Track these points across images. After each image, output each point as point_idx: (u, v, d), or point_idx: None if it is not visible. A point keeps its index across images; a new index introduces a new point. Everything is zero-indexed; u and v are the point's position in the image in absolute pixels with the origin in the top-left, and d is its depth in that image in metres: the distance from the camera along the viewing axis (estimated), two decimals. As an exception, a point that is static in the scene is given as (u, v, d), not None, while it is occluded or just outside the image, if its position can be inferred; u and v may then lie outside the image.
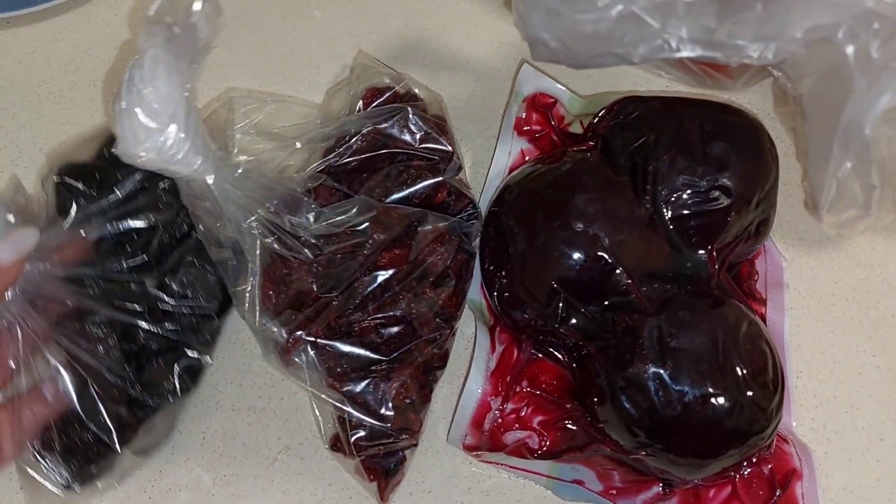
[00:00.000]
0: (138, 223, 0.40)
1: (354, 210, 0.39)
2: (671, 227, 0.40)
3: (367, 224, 0.39)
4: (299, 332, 0.38)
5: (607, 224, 0.39)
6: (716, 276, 0.40)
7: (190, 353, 0.41)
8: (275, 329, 0.38)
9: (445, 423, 0.44)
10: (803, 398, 0.46)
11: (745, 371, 0.37)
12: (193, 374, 0.42)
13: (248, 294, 0.38)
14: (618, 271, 0.38)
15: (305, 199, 0.38)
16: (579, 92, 0.49)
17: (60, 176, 0.41)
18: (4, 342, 0.38)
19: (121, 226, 0.40)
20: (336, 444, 0.41)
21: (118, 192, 0.40)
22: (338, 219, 0.38)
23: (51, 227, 0.40)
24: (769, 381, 0.37)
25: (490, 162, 0.47)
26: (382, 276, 0.39)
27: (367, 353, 0.39)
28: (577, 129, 0.46)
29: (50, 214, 0.41)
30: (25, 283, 0.37)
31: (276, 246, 0.37)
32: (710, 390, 0.36)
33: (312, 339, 0.38)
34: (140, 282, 0.40)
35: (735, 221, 0.40)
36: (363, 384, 0.39)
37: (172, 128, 0.33)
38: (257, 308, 0.38)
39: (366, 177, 0.43)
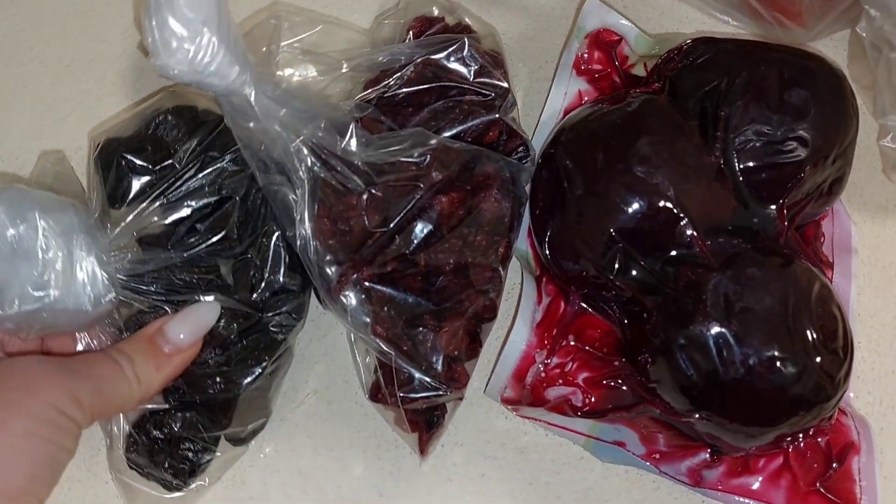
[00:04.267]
0: (211, 198, 0.37)
1: (409, 142, 0.36)
2: (740, 178, 0.37)
3: (427, 157, 0.36)
4: (352, 273, 0.36)
5: (673, 171, 0.36)
6: (784, 235, 0.37)
7: (274, 329, 0.39)
8: (327, 267, 0.35)
9: (482, 375, 0.42)
10: (861, 370, 0.43)
11: (815, 336, 0.34)
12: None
13: (299, 223, 0.35)
14: (682, 222, 0.36)
15: (353, 125, 0.36)
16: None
17: (116, 153, 0.37)
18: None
19: (195, 203, 0.37)
20: (377, 394, 0.39)
21: (177, 165, 0.37)
22: (392, 148, 0.35)
23: (106, 214, 0.37)
24: (839, 347, 0.35)
25: (543, 104, 0.44)
26: (437, 219, 0.37)
27: (419, 301, 0.37)
28: (640, 71, 0.43)
29: (103, 199, 0.37)
30: (116, 270, 0.35)
31: (323, 173, 0.34)
32: (778, 354, 0.33)
33: (363, 280, 0.36)
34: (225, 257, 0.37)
35: (809, 177, 0.37)
36: (412, 333, 0.36)
37: (205, 33, 0.30)
38: (309, 238, 0.35)
39: (411, 111, 0.40)
